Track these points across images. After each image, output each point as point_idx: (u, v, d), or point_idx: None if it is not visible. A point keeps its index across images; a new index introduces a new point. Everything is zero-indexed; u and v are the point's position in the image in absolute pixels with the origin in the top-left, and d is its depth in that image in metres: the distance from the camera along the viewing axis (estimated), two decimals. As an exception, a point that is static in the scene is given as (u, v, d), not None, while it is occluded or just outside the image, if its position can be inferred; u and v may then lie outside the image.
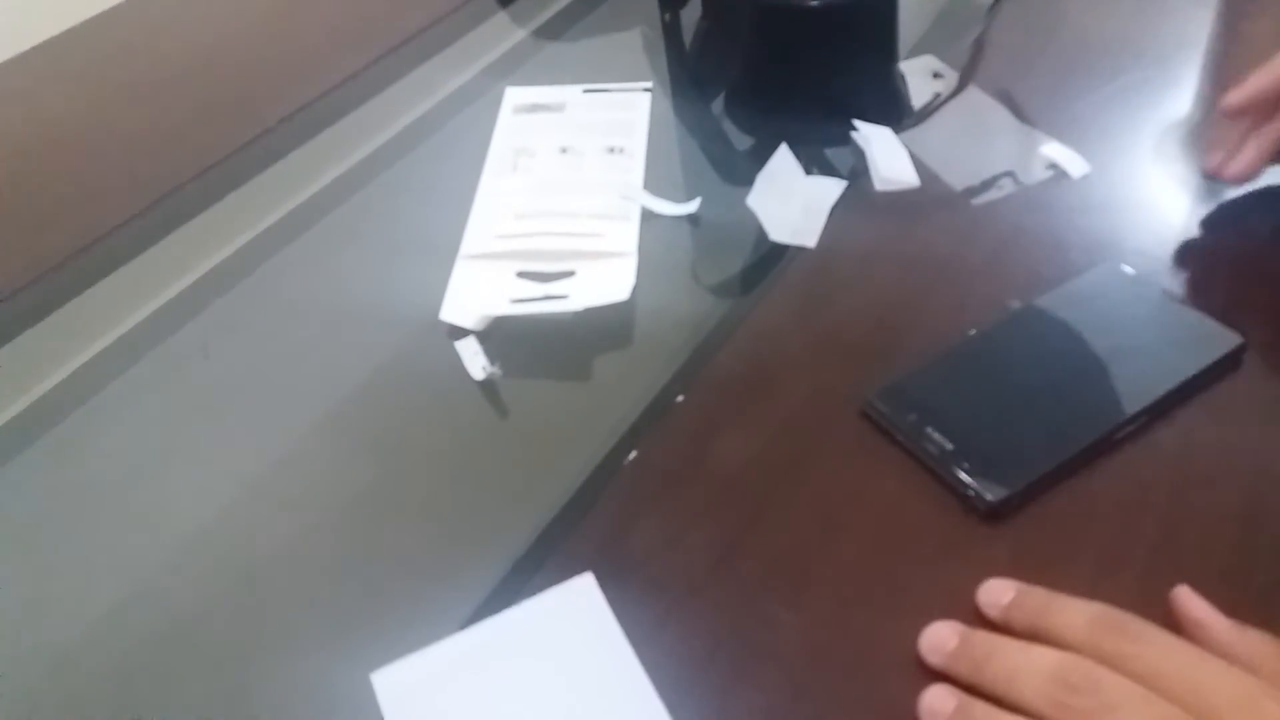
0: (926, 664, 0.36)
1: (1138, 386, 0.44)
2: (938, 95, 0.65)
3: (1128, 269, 0.49)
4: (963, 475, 0.41)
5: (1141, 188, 0.56)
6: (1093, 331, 0.47)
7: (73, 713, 0.39)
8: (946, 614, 0.37)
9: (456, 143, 0.66)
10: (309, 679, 0.39)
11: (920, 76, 0.66)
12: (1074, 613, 0.35)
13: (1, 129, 0.70)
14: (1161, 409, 0.43)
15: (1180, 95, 0.62)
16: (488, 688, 0.37)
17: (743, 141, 0.65)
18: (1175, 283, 0.49)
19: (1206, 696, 0.31)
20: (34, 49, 0.77)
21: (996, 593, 0.37)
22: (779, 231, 0.54)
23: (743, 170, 0.59)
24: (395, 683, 0.37)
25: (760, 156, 0.57)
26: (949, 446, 0.42)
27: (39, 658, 0.40)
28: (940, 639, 0.36)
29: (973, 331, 0.47)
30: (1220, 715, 0.31)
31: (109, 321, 0.55)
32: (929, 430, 0.43)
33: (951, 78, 0.66)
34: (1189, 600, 0.35)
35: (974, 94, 0.64)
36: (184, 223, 0.61)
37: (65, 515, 0.46)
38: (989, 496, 0.40)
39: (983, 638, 0.35)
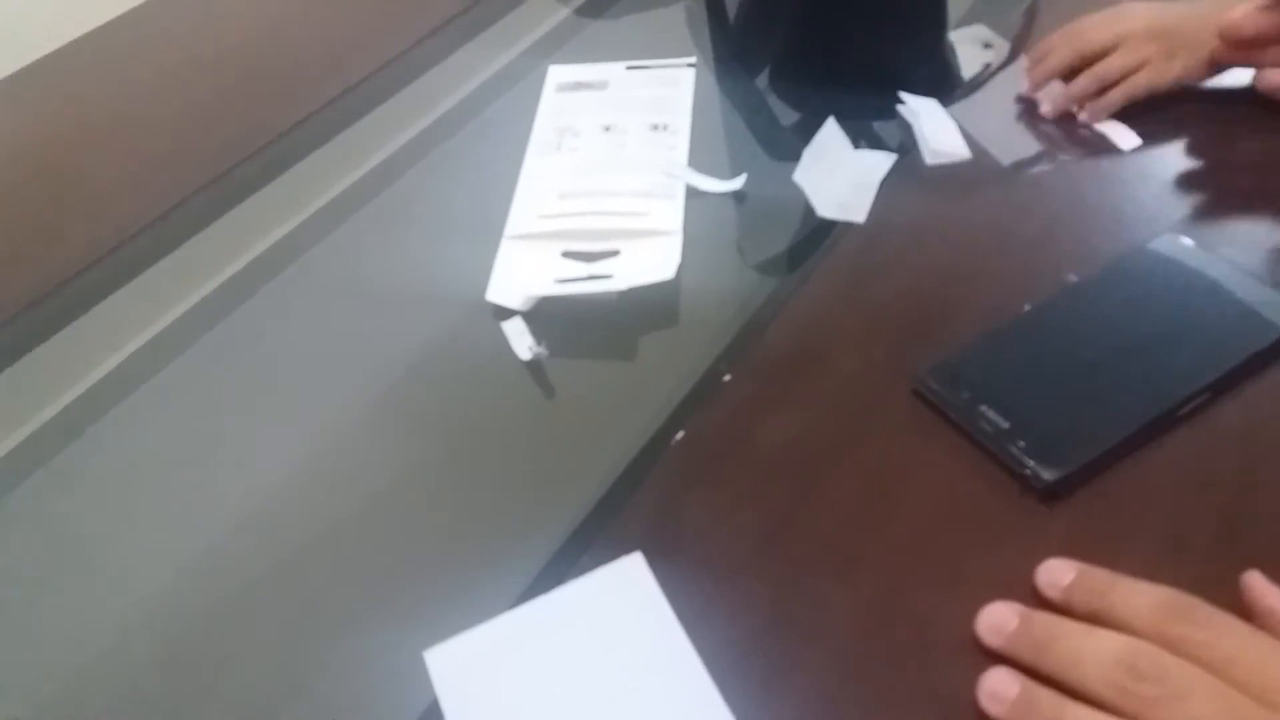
0: (983, 645, 0.35)
1: (1200, 362, 0.42)
2: (988, 66, 0.63)
3: (1187, 240, 0.48)
4: (1019, 454, 0.40)
5: (1199, 158, 0.54)
6: (1152, 305, 0.45)
7: (130, 688, 0.39)
8: (1003, 595, 0.36)
9: (500, 123, 0.65)
10: (363, 656, 0.39)
11: (971, 46, 0.65)
12: (1139, 596, 0.34)
13: (52, 119, 0.71)
14: (1225, 385, 0.42)
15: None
16: (539, 665, 0.37)
17: (788, 116, 0.64)
18: (1237, 254, 0.48)
19: None
20: (84, 36, 0.78)
21: (1057, 573, 0.36)
22: (827, 207, 0.53)
23: (788, 146, 0.58)
24: (448, 660, 0.37)
25: (806, 131, 0.56)
26: (1004, 424, 0.41)
27: (97, 635, 0.41)
28: (999, 620, 0.35)
29: (1028, 306, 0.46)
30: None
31: (161, 307, 0.55)
32: (983, 408, 0.42)
33: (1002, 47, 0.64)
34: (1260, 586, 0.34)
35: (1025, 64, 0.62)
36: (232, 208, 0.62)
37: (120, 497, 0.47)
38: (1046, 475, 0.39)
39: (1044, 619, 0.35)
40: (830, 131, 0.56)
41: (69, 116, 0.70)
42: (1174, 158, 0.54)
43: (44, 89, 0.74)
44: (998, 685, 0.33)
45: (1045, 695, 0.33)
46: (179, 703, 0.39)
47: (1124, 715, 0.31)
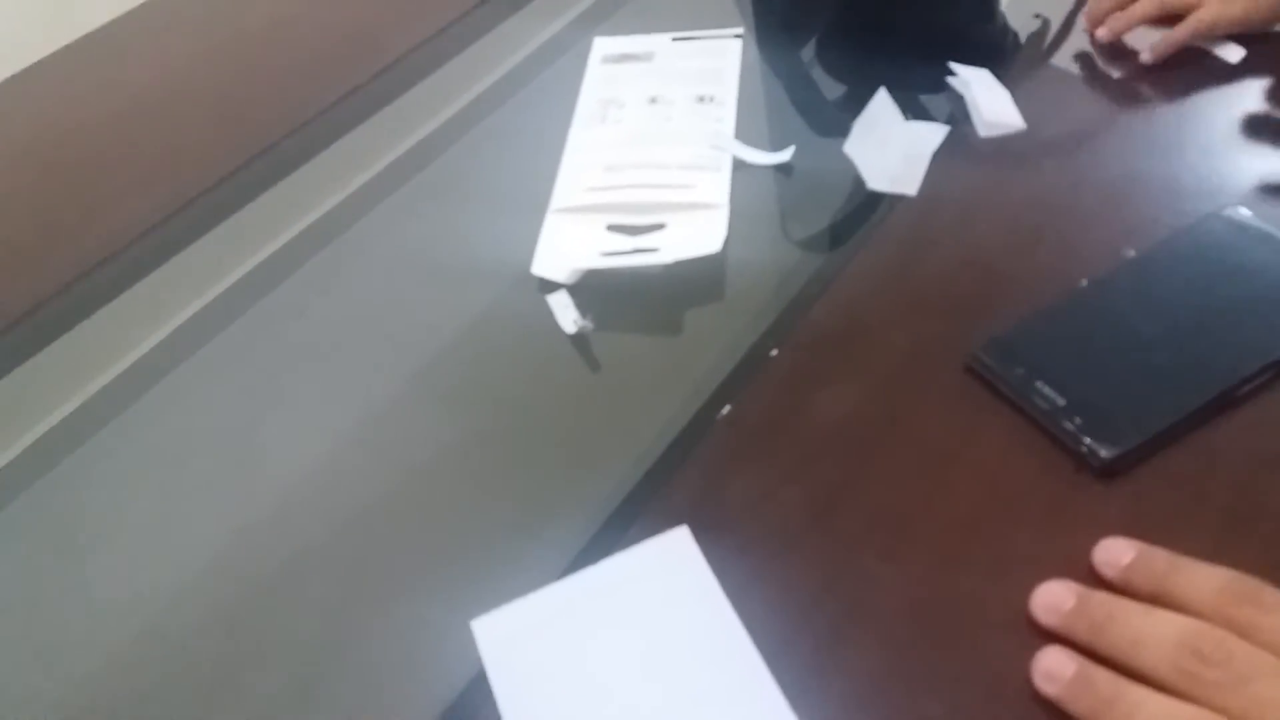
0: (1038, 625, 0.35)
1: (1263, 338, 0.41)
2: (1045, 32, 0.62)
3: (1246, 212, 0.46)
4: (1075, 430, 0.39)
5: (1260, 129, 0.52)
6: (1213, 280, 0.44)
7: (181, 656, 0.40)
8: (1057, 575, 0.36)
9: (545, 96, 0.65)
10: (412, 626, 0.39)
11: (1025, 13, 0.63)
12: (1202, 578, 0.33)
13: (105, 88, 0.72)
14: (1290, 362, 0.41)
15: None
16: (585, 636, 0.37)
17: (836, 88, 0.63)
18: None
19: None
20: (134, 10, 0.78)
21: (1115, 553, 0.35)
22: (878, 179, 0.52)
23: (836, 118, 0.57)
24: (495, 630, 0.37)
25: (854, 103, 0.55)
26: (1060, 401, 0.40)
27: (149, 600, 0.42)
28: (1055, 598, 0.34)
29: (1084, 282, 0.45)
30: None
31: (205, 282, 0.56)
32: (1038, 384, 0.41)
33: (1059, 14, 0.63)
34: None
35: (1083, 30, 0.61)
36: (276, 183, 0.62)
37: (171, 466, 0.47)
38: (1103, 453, 0.38)
39: (1102, 599, 0.34)
40: (881, 102, 0.55)
41: (113, 96, 0.71)
42: (1236, 127, 0.53)
43: (93, 67, 0.75)
44: (1053, 664, 0.33)
45: (1103, 675, 0.32)
46: (230, 670, 0.39)
47: (1185, 698, 0.30)
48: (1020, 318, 0.44)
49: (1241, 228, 0.46)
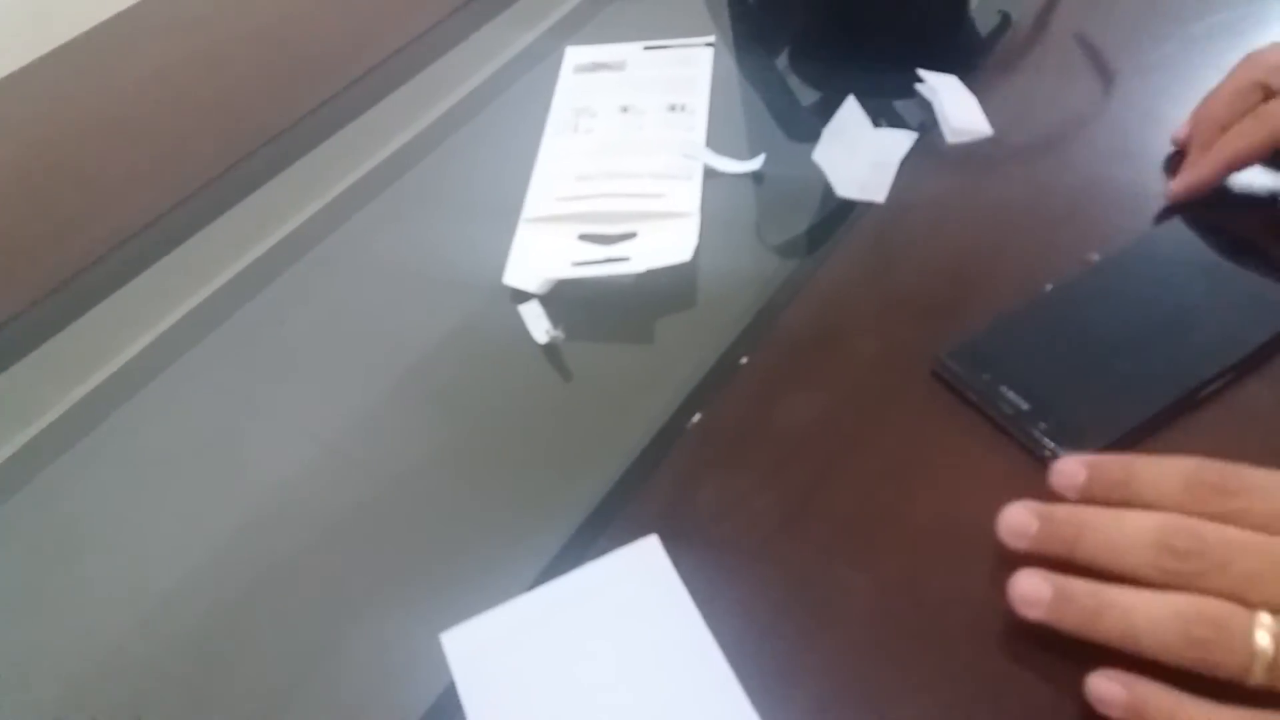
0: (1010, 624, 0.34)
1: (1226, 340, 0.42)
2: (1014, 38, 0.62)
3: (1205, 216, 0.47)
4: (1039, 435, 0.40)
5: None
6: (1174, 283, 0.45)
7: (149, 672, 0.40)
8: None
9: (518, 105, 0.65)
10: (380, 640, 0.39)
11: (994, 20, 0.64)
12: (1165, 473, 0.32)
13: (87, 96, 0.71)
14: (1252, 364, 0.41)
15: (1272, 36, 0.59)
16: (555, 648, 0.37)
17: (807, 96, 0.63)
18: (1262, 230, 0.47)
19: None
20: (105, 22, 0.78)
21: (1069, 475, 0.35)
22: (846, 187, 0.53)
23: (808, 125, 0.57)
24: (464, 643, 0.37)
25: (826, 111, 0.56)
26: (1025, 406, 0.41)
27: (120, 613, 0.42)
28: (1019, 523, 0.34)
29: (1049, 286, 0.45)
30: None
31: (180, 295, 0.56)
32: (1003, 389, 0.41)
33: (1027, 20, 0.63)
34: None
35: (1051, 37, 0.61)
36: (249, 195, 0.62)
37: (140, 482, 0.47)
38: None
39: (1068, 513, 0.33)
40: (850, 110, 0.55)
41: (87, 106, 0.71)
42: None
43: (61, 80, 0.75)
44: (1028, 589, 0.32)
45: (1081, 587, 0.32)
46: (198, 683, 0.39)
47: (1171, 591, 0.30)
48: (986, 323, 0.44)
49: (1202, 232, 0.46)
